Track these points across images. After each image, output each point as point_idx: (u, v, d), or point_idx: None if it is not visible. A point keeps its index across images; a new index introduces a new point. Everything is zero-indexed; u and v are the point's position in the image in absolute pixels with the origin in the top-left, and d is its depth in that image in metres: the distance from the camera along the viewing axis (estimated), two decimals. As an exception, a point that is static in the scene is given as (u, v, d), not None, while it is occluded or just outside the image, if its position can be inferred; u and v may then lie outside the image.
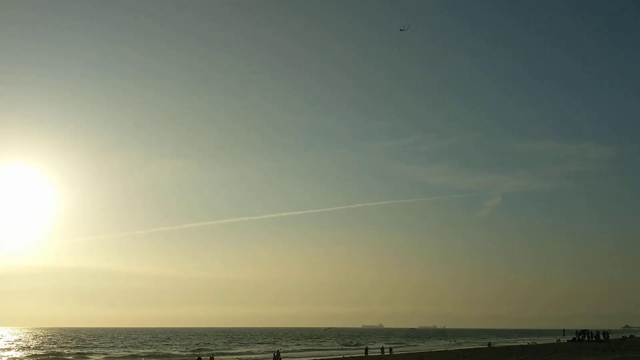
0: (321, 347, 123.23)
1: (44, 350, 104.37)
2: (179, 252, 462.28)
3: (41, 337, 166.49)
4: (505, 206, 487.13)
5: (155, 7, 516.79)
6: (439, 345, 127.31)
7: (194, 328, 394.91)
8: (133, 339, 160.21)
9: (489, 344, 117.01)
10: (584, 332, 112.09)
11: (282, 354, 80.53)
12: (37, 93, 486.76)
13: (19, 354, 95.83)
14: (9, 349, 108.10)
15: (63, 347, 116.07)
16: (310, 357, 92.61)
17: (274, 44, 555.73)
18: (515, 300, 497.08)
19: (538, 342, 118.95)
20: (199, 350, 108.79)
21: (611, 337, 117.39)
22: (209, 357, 75.72)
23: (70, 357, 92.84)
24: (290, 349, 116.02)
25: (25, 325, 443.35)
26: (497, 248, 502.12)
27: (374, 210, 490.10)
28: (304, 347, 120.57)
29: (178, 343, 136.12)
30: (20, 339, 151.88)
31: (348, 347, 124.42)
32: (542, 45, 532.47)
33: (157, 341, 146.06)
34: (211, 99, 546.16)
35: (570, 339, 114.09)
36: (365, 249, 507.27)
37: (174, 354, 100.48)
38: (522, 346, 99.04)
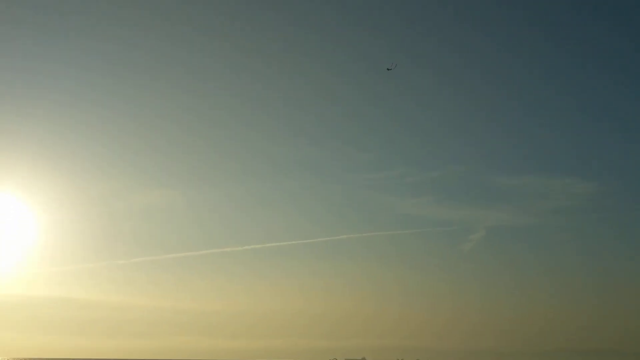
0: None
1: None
2: (156, 283, 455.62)
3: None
4: (489, 240, 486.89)
5: (132, 36, 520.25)
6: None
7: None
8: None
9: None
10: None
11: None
12: (16, 120, 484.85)
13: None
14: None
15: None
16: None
17: (258, 73, 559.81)
18: (498, 334, 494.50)
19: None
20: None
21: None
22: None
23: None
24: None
25: (1, 356, 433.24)
26: (481, 282, 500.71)
27: (357, 242, 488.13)
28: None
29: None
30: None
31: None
32: (526, 81, 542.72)
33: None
34: (192, 128, 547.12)
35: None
36: (347, 282, 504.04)
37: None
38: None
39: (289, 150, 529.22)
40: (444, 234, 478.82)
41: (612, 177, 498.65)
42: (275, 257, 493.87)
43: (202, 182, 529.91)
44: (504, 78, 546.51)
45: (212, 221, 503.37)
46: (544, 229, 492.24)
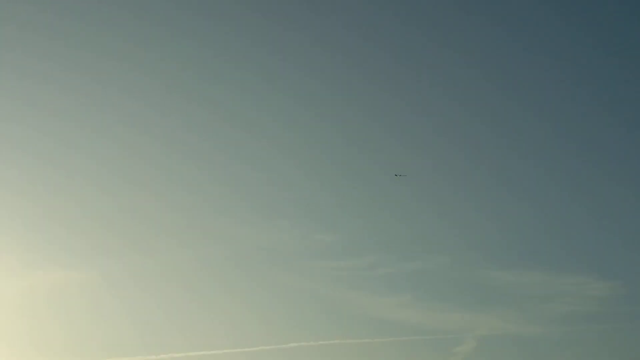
0: None
1: None
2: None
3: None
4: (480, 353, 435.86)
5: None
6: None
7: None
8: None
9: None
10: None
11: None
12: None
13: None
14: None
15: None
16: None
17: (214, 155, 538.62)
18: None
19: None
20: None
21: None
22: None
23: None
24: None
25: None
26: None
27: (312, 352, 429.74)
28: None
29: None
30: None
31: None
32: (522, 164, 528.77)
33: None
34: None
35: None
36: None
37: None
38: None
39: (229, 230, 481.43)
40: (424, 344, 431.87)
41: (631, 276, 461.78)
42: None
43: (132, 267, 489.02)
44: (496, 157, 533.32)
45: (136, 322, 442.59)
46: (548, 340, 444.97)
